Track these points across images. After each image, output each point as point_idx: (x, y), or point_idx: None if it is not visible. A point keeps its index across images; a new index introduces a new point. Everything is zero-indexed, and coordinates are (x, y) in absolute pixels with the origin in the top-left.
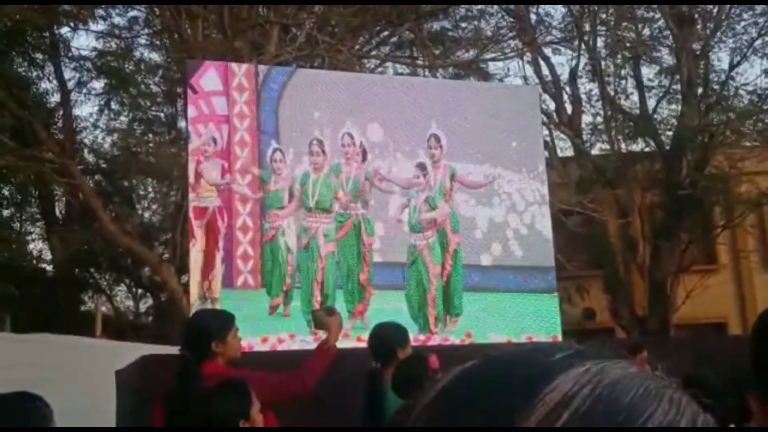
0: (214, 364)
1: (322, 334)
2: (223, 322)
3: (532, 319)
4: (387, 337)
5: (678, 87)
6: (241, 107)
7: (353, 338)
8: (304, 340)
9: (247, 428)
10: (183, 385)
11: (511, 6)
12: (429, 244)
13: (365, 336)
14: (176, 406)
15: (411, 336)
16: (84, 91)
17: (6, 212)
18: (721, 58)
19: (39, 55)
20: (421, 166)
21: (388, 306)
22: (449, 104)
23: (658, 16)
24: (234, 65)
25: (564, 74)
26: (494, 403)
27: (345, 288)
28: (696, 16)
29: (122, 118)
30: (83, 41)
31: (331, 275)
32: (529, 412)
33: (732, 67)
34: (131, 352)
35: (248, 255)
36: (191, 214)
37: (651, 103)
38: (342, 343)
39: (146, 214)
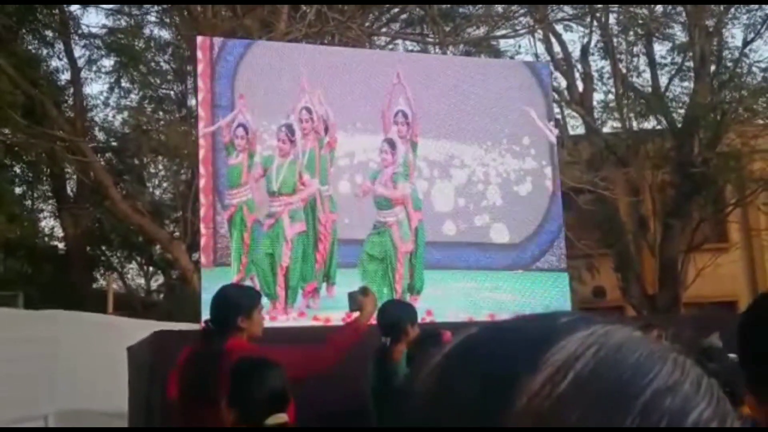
0: (239, 339)
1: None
2: (250, 298)
3: (493, 297)
4: (396, 313)
5: (691, 64)
6: (197, 81)
7: (309, 317)
8: None
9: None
10: (207, 357)
11: None
12: (398, 221)
13: (322, 315)
14: (198, 378)
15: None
16: (94, 68)
17: (18, 190)
18: (734, 35)
19: (49, 33)
20: (388, 142)
21: (354, 283)
22: (419, 79)
23: None
24: (199, 39)
25: (575, 51)
26: (498, 366)
27: (302, 266)
28: None
29: (132, 95)
30: (93, 19)
31: (300, 256)
32: (533, 374)
33: (745, 43)
34: (142, 329)
35: (201, 233)
36: None
37: (663, 80)
38: (297, 322)
39: (157, 192)
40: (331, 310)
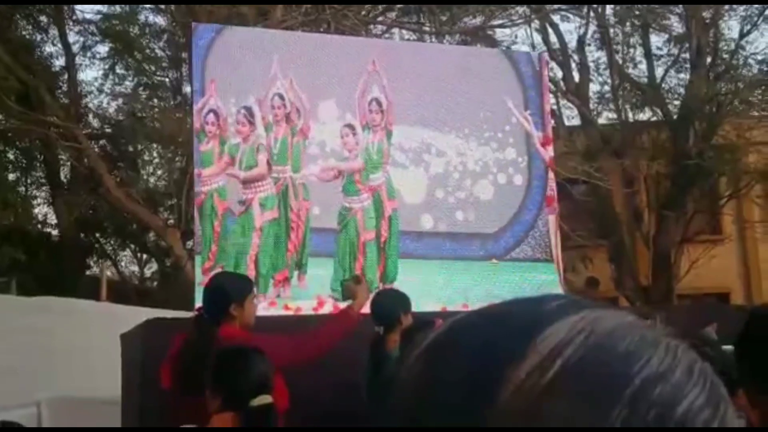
0: (231, 327)
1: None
2: (243, 286)
3: (467, 287)
4: (390, 303)
5: (687, 56)
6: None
7: (280, 306)
8: None
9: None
10: (199, 345)
11: None
12: (363, 207)
13: (293, 304)
14: (191, 366)
15: (341, 303)
16: (89, 55)
17: (11, 176)
18: (731, 27)
19: (43, 18)
20: (348, 127)
21: (324, 273)
22: (394, 67)
23: None
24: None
25: (572, 42)
26: (484, 353)
27: (273, 254)
28: None
29: (127, 82)
30: (88, 5)
31: (271, 244)
32: (520, 361)
33: (742, 35)
34: (136, 316)
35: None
36: None
37: (659, 71)
38: (268, 311)
39: (151, 180)
40: (302, 299)
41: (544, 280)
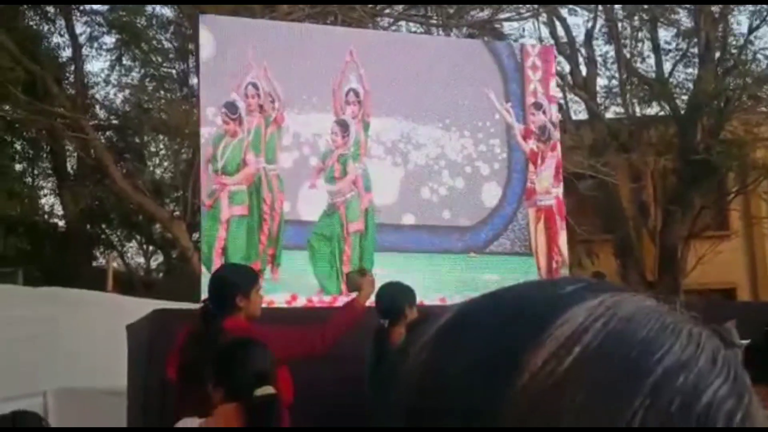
0: (237, 319)
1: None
2: (249, 277)
3: (445, 280)
4: (395, 296)
5: (695, 50)
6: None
7: None
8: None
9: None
10: (205, 336)
11: None
12: (346, 200)
13: (266, 298)
14: (197, 358)
15: (320, 297)
16: (95, 45)
17: (18, 167)
18: (740, 21)
19: (50, 9)
20: (340, 124)
21: (299, 265)
22: (372, 57)
23: None
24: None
25: (580, 36)
26: (497, 340)
27: (245, 247)
28: None
29: (134, 73)
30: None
31: (239, 239)
32: (537, 348)
33: (751, 30)
34: (142, 307)
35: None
36: None
37: (667, 66)
38: None
39: (158, 171)
40: (275, 292)
41: (523, 274)
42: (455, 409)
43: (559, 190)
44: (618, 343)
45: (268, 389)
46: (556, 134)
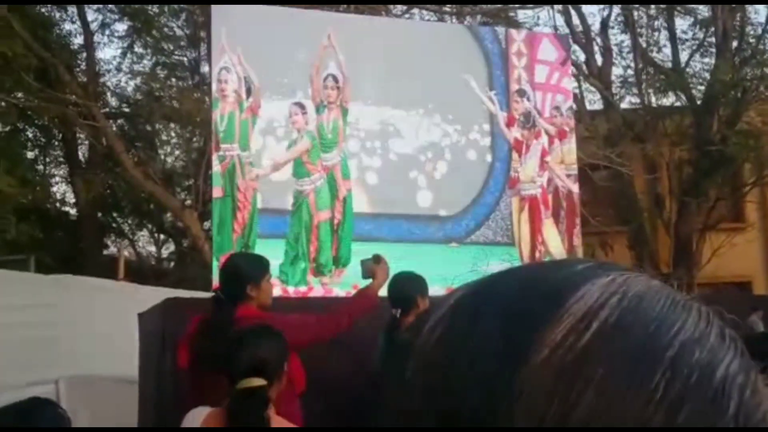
0: (248, 307)
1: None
2: (260, 266)
3: (425, 270)
4: (407, 285)
5: (712, 40)
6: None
7: None
8: None
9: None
10: (217, 325)
11: None
12: (315, 189)
13: None
14: (208, 347)
15: (290, 287)
16: (107, 33)
17: (30, 154)
18: (758, 10)
19: None
20: (296, 104)
21: (273, 255)
22: (351, 42)
23: None
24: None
25: (595, 24)
26: (516, 314)
27: (218, 236)
28: None
29: (145, 61)
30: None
31: (216, 225)
32: (555, 324)
33: None
34: (153, 296)
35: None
36: None
37: (684, 56)
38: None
39: (169, 160)
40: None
41: (505, 264)
42: (475, 384)
43: (544, 179)
44: (634, 319)
45: (251, 381)
46: (547, 122)
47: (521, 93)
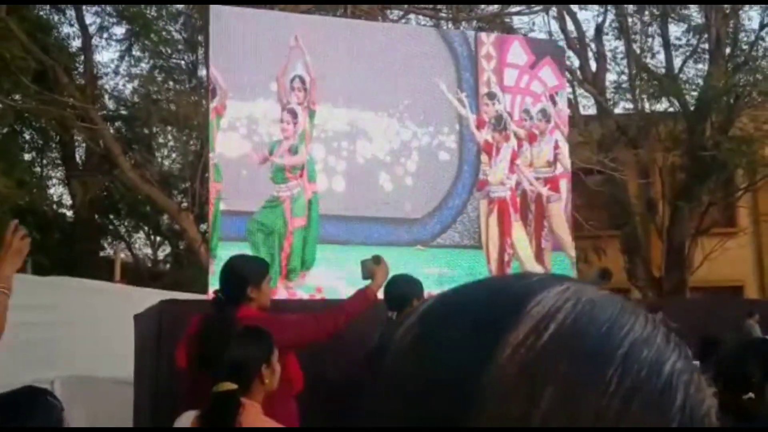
0: (248, 308)
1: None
2: (259, 268)
3: (393, 273)
4: (403, 287)
5: (706, 46)
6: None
7: None
8: None
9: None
10: (218, 325)
11: None
12: (292, 195)
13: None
14: (209, 348)
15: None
16: (105, 36)
17: (27, 156)
18: (751, 17)
19: None
20: (290, 112)
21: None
22: (319, 43)
23: None
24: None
25: (590, 30)
26: (480, 318)
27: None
28: None
29: (143, 64)
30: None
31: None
32: (516, 325)
33: (762, 26)
34: (149, 298)
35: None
36: None
37: (677, 62)
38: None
39: (166, 162)
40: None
41: (471, 267)
42: (443, 383)
43: (512, 182)
44: (588, 321)
45: (223, 386)
46: (517, 127)
47: (491, 96)
